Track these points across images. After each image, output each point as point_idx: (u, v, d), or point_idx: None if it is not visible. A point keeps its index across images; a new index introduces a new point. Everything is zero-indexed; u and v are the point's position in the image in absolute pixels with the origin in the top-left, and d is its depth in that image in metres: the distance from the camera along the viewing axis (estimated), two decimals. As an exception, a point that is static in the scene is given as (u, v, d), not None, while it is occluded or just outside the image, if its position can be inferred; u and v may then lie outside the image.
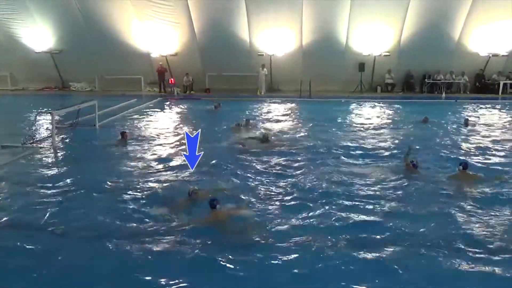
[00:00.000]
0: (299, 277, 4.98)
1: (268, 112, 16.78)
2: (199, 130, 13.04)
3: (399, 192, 7.54)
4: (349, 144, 11.15)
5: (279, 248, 5.54)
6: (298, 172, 8.69)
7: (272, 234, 5.93)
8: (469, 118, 14.10)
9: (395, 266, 5.15)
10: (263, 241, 5.73)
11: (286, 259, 5.31)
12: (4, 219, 6.48)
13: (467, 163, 8.23)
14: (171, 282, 4.84)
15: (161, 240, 5.80)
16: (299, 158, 9.72)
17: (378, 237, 5.87)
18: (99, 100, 14.12)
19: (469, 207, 6.84)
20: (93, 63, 21.63)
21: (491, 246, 5.62)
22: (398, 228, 6.13)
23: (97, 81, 22.71)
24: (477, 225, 6.22)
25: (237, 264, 5.19)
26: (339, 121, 14.61)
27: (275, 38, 20.74)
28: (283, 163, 9.32)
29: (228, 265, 5.17)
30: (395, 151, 10.31)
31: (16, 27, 21.52)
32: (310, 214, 6.56)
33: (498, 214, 6.61)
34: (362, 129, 13.28)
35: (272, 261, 5.25)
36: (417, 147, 10.36)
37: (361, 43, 20.89)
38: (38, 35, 21.64)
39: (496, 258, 5.31)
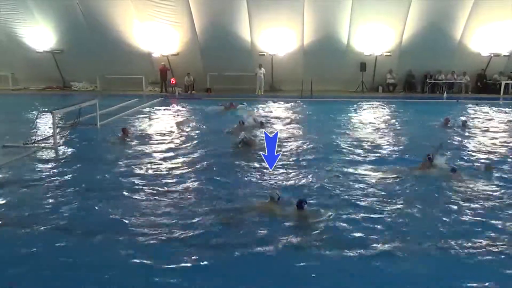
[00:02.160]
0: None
1: (268, 112, 16.72)
2: (202, 130, 13.13)
3: (407, 193, 7.52)
4: (353, 144, 11.14)
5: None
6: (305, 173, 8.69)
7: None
8: (467, 120, 13.94)
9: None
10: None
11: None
12: (5, 218, 6.48)
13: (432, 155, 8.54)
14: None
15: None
16: (303, 159, 9.70)
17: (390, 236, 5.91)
18: (100, 99, 14.12)
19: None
20: (94, 63, 21.64)
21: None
22: (402, 227, 6.15)
23: (98, 81, 22.72)
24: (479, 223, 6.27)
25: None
26: (340, 121, 14.58)
27: (276, 38, 20.74)
28: (292, 164, 9.28)
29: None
30: (398, 152, 10.33)
31: (17, 26, 21.54)
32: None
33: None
34: (365, 129, 13.25)
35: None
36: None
37: (363, 43, 20.88)
38: (40, 34, 21.65)
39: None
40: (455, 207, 6.86)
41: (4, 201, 7.13)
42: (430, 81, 21.84)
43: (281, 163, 9.28)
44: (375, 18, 19.95)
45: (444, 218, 6.45)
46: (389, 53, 21.15)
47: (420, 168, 8.55)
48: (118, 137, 11.59)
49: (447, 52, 20.90)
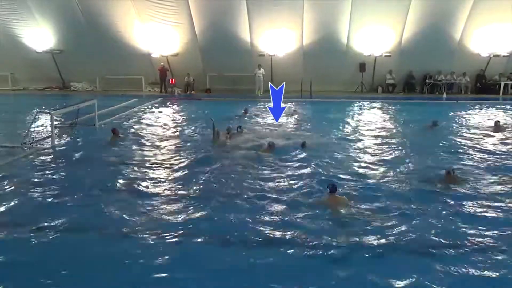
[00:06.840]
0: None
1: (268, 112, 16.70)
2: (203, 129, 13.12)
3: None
4: (353, 145, 11.13)
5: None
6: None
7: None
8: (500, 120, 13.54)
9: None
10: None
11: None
12: (3, 219, 6.47)
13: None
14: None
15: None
16: (301, 159, 9.67)
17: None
18: (99, 100, 14.11)
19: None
20: (94, 63, 21.68)
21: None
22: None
23: (98, 81, 22.74)
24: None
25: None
26: (340, 122, 14.54)
27: (276, 38, 20.74)
28: (295, 165, 9.23)
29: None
30: (399, 153, 10.31)
31: (17, 27, 21.59)
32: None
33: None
34: (365, 130, 13.20)
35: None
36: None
37: (362, 43, 20.88)
38: (39, 35, 21.70)
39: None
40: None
41: (1, 202, 7.11)
42: (429, 81, 21.83)
43: (279, 161, 9.28)
44: (375, 19, 19.95)
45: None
46: (388, 54, 21.13)
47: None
48: (109, 138, 11.44)
49: (446, 53, 20.90)
